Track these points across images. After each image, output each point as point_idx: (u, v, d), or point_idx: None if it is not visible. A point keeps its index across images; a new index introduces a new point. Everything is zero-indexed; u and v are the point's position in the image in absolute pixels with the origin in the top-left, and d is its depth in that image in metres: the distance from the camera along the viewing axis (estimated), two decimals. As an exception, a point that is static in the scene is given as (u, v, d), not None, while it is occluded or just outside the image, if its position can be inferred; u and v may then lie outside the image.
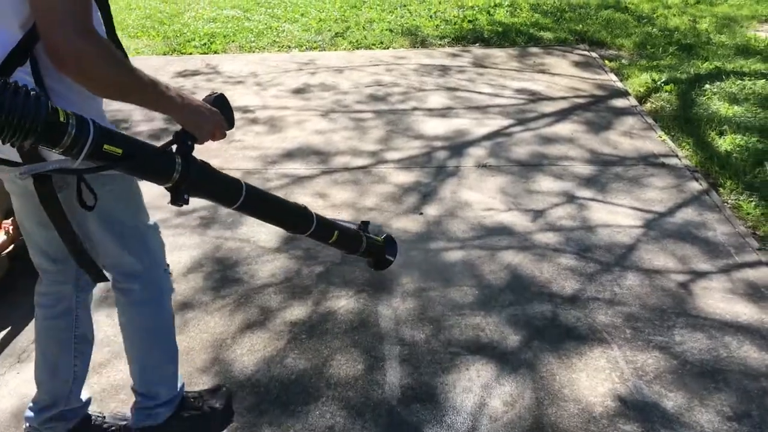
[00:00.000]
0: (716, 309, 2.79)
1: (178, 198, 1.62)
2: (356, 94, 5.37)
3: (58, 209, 1.60)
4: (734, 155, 4.14)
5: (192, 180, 1.61)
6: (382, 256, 2.67)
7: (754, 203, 3.63)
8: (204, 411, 2.16)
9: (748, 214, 3.56)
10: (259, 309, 2.86)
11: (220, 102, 1.72)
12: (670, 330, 2.67)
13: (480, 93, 5.34)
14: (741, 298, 2.86)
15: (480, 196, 3.75)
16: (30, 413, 2.06)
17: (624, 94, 5.29)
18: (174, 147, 1.61)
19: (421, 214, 3.58)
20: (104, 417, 2.20)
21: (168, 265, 2.02)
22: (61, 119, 1.31)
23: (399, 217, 3.55)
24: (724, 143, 4.29)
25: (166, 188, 1.62)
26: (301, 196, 3.77)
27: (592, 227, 3.42)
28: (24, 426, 2.09)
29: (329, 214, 3.54)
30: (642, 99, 5.24)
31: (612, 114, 4.88)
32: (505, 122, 4.77)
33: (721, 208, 3.57)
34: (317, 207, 3.63)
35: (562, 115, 4.87)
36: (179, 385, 2.11)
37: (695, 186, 3.81)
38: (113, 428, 2.16)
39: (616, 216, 3.52)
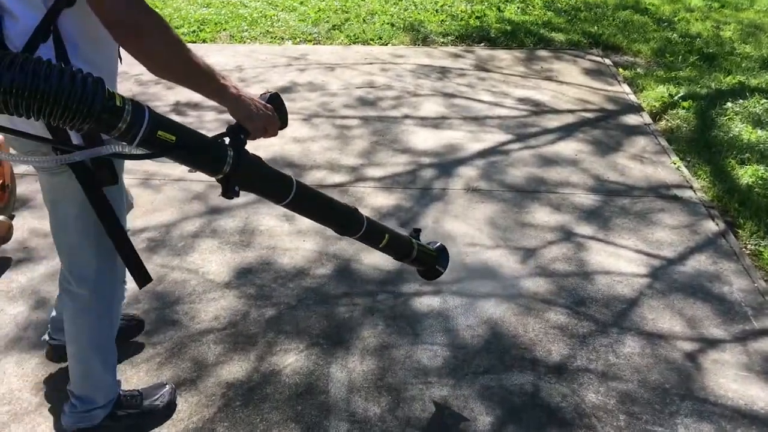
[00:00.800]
0: (728, 391, 2.35)
1: (228, 190, 1.59)
2: (345, 97, 4.93)
3: (102, 195, 1.66)
4: (756, 190, 3.68)
5: (243, 173, 1.59)
6: (433, 266, 2.35)
7: (776, 251, 3.18)
8: (143, 409, 2.15)
9: (770, 264, 3.11)
10: (193, 363, 2.45)
11: (274, 100, 1.71)
12: (673, 418, 2.23)
13: (479, 101, 4.88)
14: (758, 378, 2.42)
15: (465, 228, 3.31)
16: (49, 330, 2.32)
17: (637, 109, 4.82)
18: (226, 139, 1.60)
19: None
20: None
21: (126, 281, 2.06)
22: (118, 104, 1.31)
23: (370, 250, 3.11)
24: (745, 175, 3.83)
25: (216, 180, 1.59)
26: (265, 218, 3.35)
27: (590, 274, 2.97)
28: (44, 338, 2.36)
29: (293, 240, 3.13)
30: (656, 116, 4.77)
31: (622, 132, 4.42)
32: (503, 137, 4.32)
33: (739, 255, 3.12)
34: (281, 232, 3.22)
35: (566, 132, 4.42)
36: (118, 385, 2.11)
37: (711, 226, 3.36)
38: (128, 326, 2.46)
39: (619, 261, 3.07)
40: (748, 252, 3.21)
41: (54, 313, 2.28)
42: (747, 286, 2.92)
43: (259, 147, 4.10)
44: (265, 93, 1.71)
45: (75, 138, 1.58)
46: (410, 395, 2.32)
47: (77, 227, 1.79)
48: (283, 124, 1.72)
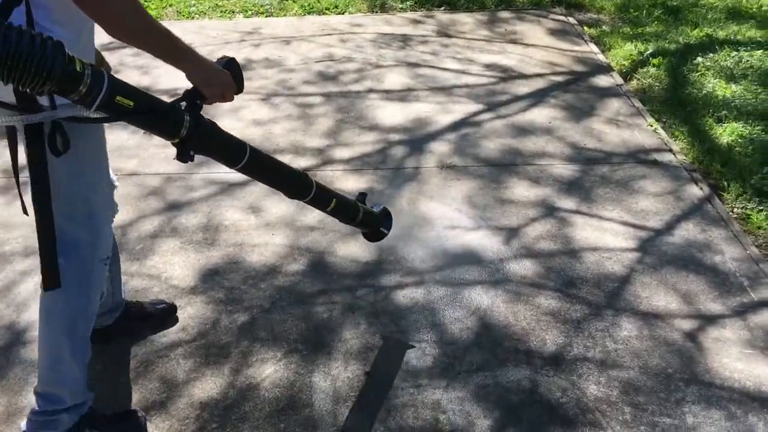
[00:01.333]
0: (734, 372, 2.24)
1: (183, 154, 1.62)
2: (304, 72, 4.68)
3: (43, 160, 1.58)
4: (737, 149, 3.56)
5: (199, 137, 1.62)
6: (377, 228, 2.45)
7: (765, 213, 3.07)
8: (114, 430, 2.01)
9: (759, 228, 3.01)
10: (161, 383, 2.25)
11: (231, 66, 1.72)
12: (680, 406, 2.11)
13: (445, 70, 4.68)
14: (762, 355, 2.31)
15: (443, 209, 3.13)
16: None
17: (607, 69, 4.66)
18: (183, 104, 1.62)
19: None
20: (142, 303, 2.44)
21: (108, 257, 1.91)
22: (78, 68, 1.31)
23: (345, 240, 2.93)
24: (724, 133, 3.71)
25: (172, 144, 1.61)
26: (229, 211, 3.13)
27: (577, 252, 2.83)
28: None
29: (261, 235, 2.92)
30: (627, 75, 4.62)
31: (595, 95, 4.27)
32: (473, 107, 4.13)
33: (727, 221, 3.00)
34: (248, 226, 3.01)
35: (538, 98, 4.25)
36: (87, 397, 1.96)
37: (695, 191, 3.24)
38: (154, 310, 2.45)
39: (605, 235, 2.93)
40: (735, 216, 3.10)
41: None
42: (739, 254, 2.80)
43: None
44: (221, 58, 1.73)
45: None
46: (401, 402, 2.15)
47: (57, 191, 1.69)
48: (239, 89, 1.76)
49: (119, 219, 3.07)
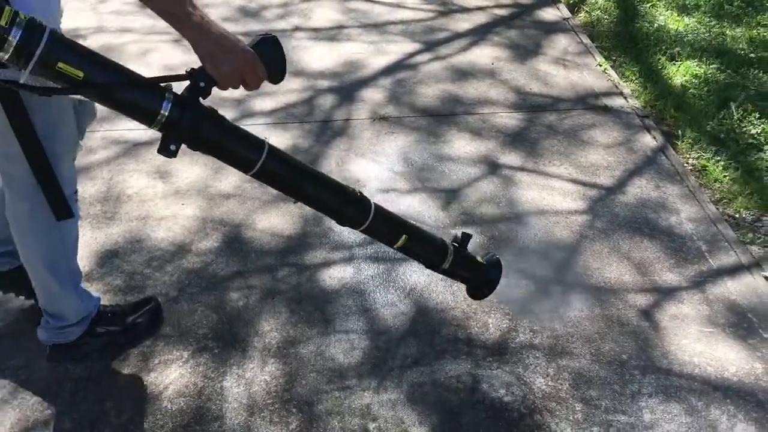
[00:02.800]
0: (693, 355, 2.03)
1: (163, 147, 1.35)
2: (222, 7, 4.20)
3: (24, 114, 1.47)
4: (691, 91, 3.31)
5: (185, 129, 1.33)
6: (480, 281, 1.83)
7: (721, 164, 2.85)
8: (125, 326, 2.04)
9: (716, 181, 2.78)
10: (45, 395, 1.92)
11: (265, 45, 1.35)
12: (635, 401, 1.89)
13: (378, 3, 4.26)
14: (723, 333, 2.10)
15: (376, 168, 2.81)
16: None
17: (553, 1, 4.32)
18: (175, 86, 1.33)
19: (296, 202, 2.62)
20: None
21: (76, 192, 1.78)
22: (2, 23, 1.10)
23: (266, 209, 2.60)
24: (678, 73, 3.45)
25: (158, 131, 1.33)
26: (133, 177, 2.74)
27: (522, 216, 2.56)
28: None
29: (169, 205, 2.57)
30: (575, 7, 4.30)
31: (540, 31, 3.94)
32: (410, 47, 3.76)
33: (683, 175, 2.77)
34: (154, 195, 2.65)
35: (479, 35, 3.89)
36: (92, 306, 1.95)
37: (647, 141, 2.98)
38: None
39: (553, 195, 2.67)
40: (690, 168, 2.87)
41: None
42: (696, 214, 2.58)
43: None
44: (259, 36, 1.36)
45: None
46: (325, 408, 1.88)
47: (11, 139, 1.54)
48: (274, 76, 1.38)
49: None
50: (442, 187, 2.71)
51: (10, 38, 1.12)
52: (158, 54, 3.66)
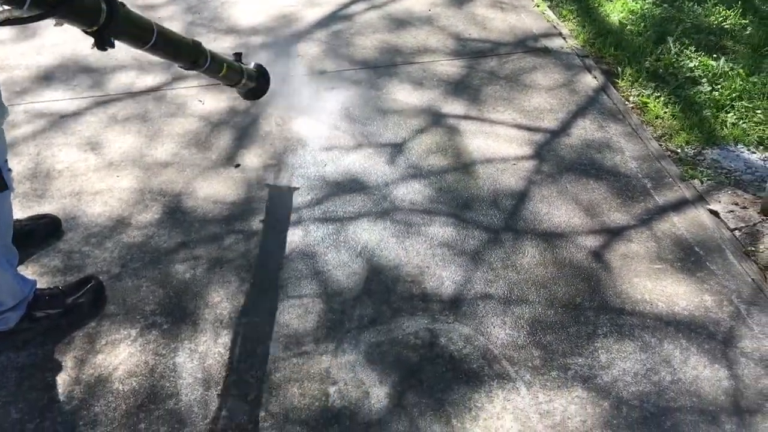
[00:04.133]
0: (644, 292, 2.05)
1: (104, 42, 1.53)
2: (144, -35, 3.97)
3: None
4: (629, 27, 3.30)
5: (116, 21, 1.52)
6: (260, 84, 2.34)
7: (662, 100, 2.86)
8: (66, 307, 1.96)
9: (657, 117, 2.80)
10: (-12, 389, 1.83)
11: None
12: (591, 342, 1.91)
13: (309, -48, 4.09)
14: (671, 268, 2.13)
15: (318, 126, 2.73)
16: None
17: (487, -58, 4.22)
18: None
19: (238, 166, 2.55)
20: (20, 220, 2.20)
21: (6, 161, 1.73)
22: None
23: (206, 176, 2.51)
24: (615, 9, 3.43)
25: (88, 33, 1.52)
26: (62, 151, 2.61)
27: (469, 166, 2.53)
28: None
29: (104, 178, 2.46)
30: (509, -52, 4.20)
31: (476, -26, 3.85)
32: (344, -3, 3.64)
33: (624, 113, 2.78)
34: (86, 169, 2.53)
35: (414, -19, 3.79)
36: (28, 289, 1.89)
37: (588, 81, 2.97)
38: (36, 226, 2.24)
39: (498, 142, 2.64)
40: (632, 105, 2.88)
41: None
42: (640, 151, 2.59)
43: (43, 48, 3.22)
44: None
45: None
46: (283, 376, 1.84)
47: None
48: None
49: None
50: (386, 142, 2.66)
51: None
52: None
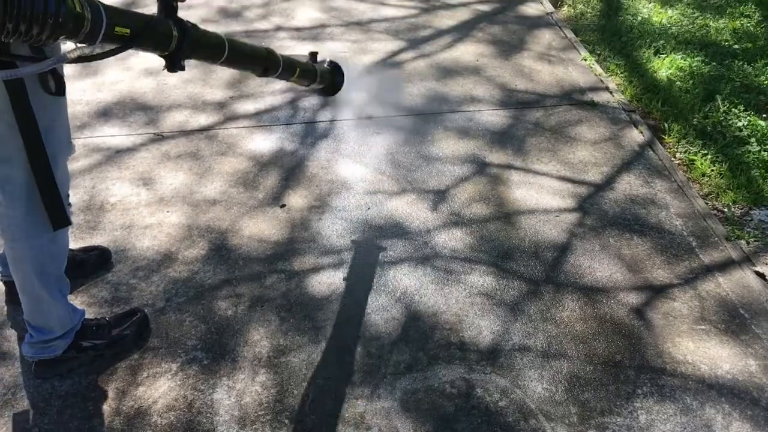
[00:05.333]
0: (686, 353, 2.02)
1: (175, 65, 1.55)
2: (203, 9, 4.15)
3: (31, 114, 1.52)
4: (677, 83, 3.30)
5: (188, 44, 1.53)
6: (334, 81, 2.32)
7: (709, 158, 2.84)
8: (111, 339, 2.01)
9: (704, 175, 2.77)
10: (30, 408, 1.88)
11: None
12: (631, 402, 1.88)
13: (361, 0, 4.21)
14: (716, 330, 2.09)
15: (362, 169, 2.78)
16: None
17: (536, -5, 4.30)
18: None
19: (284, 206, 2.60)
20: (72, 251, 2.19)
21: (68, 196, 1.77)
22: (78, 9, 1.23)
23: (253, 214, 2.56)
24: (663, 66, 3.44)
25: (161, 56, 1.54)
26: (116, 185, 2.70)
27: (512, 216, 2.54)
28: None
29: (154, 213, 2.53)
30: (558, 1, 4.29)
31: (524, 26, 3.92)
32: (393, 45, 3.73)
33: (671, 170, 2.76)
34: (138, 203, 2.61)
35: (463, 32, 3.87)
36: (76, 319, 1.93)
37: (635, 136, 2.97)
38: (87, 257, 2.30)
39: (542, 193, 2.65)
40: (678, 162, 2.86)
41: (1, 251, 2.02)
42: (685, 209, 2.57)
43: (103, 85, 3.36)
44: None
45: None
46: (318, 419, 1.85)
47: (9, 143, 1.56)
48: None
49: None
50: (430, 188, 2.69)
51: (87, 17, 1.25)
52: (138, 58, 3.61)
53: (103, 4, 1.32)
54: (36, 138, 1.56)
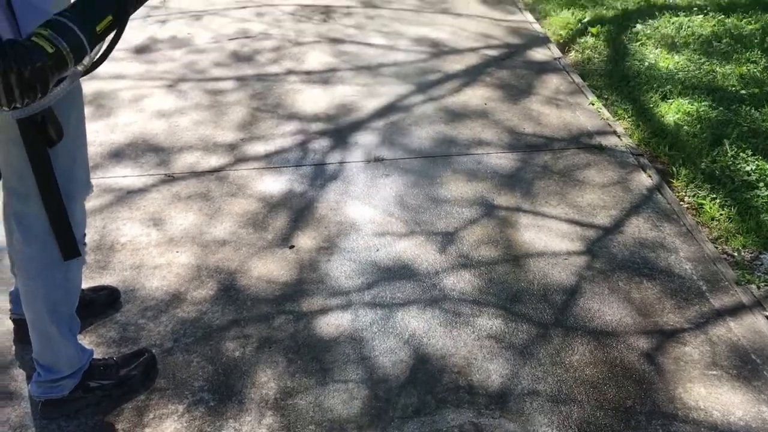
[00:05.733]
0: (698, 399, 1.99)
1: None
2: (216, 53, 4.23)
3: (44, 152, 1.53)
4: (684, 128, 3.32)
5: None
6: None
7: (717, 202, 2.84)
8: (119, 379, 2.00)
9: (713, 219, 2.77)
10: (37, 456, 1.86)
11: None
12: (643, 449, 1.85)
13: (370, 45, 4.30)
14: (727, 376, 2.07)
15: (372, 212, 2.79)
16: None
17: (543, 40, 4.36)
18: None
19: (292, 247, 2.61)
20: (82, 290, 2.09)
21: (84, 235, 1.83)
22: (49, 50, 1.24)
23: (262, 254, 2.57)
24: (670, 110, 3.47)
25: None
26: (126, 225, 2.71)
27: (521, 258, 2.54)
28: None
29: (163, 253, 2.54)
30: (565, 46, 4.34)
31: (532, 71, 3.97)
32: (402, 89, 3.77)
33: (679, 214, 2.76)
34: (148, 243, 2.63)
35: (471, 76, 3.92)
36: (84, 359, 1.93)
37: (643, 180, 2.98)
38: (96, 296, 2.32)
39: (550, 236, 2.65)
40: (687, 206, 2.86)
41: (13, 288, 2.06)
42: (695, 253, 2.56)
43: (116, 127, 3.41)
44: None
45: None
46: (325, 463, 1.83)
47: (27, 179, 1.58)
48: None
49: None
50: (438, 230, 2.69)
51: (61, 47, 1.24)
52: (151, 100, 3.66)
53: (67, 18, 1.27)
54: (49, 177, 1.58)
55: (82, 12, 1.31)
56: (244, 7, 4.92)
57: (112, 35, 1.38)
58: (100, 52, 1.40)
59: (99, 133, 3.35)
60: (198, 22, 4.66)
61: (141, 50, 4.22)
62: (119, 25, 1.36)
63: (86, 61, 1.34)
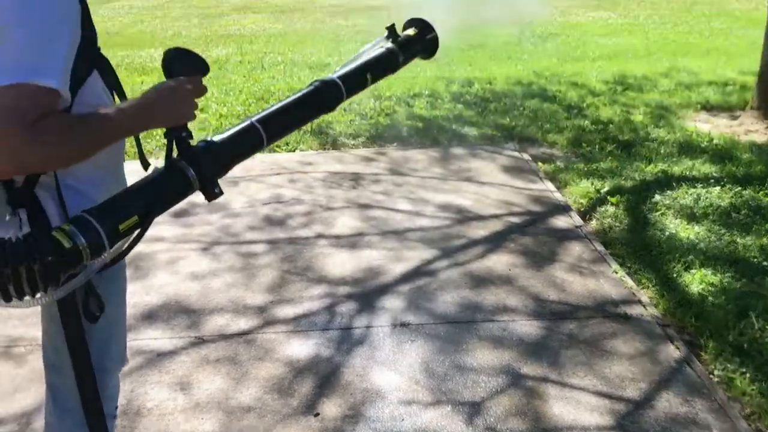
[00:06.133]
0: None
1: (210, 195, 1.47)
2: (250, 216, 4.41)
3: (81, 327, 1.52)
4: (710, 299, 3.34)
5: (211, 171, 1.45)
6: (425, 39, 2.02)
7: (748, 376, 2.80)
8: None
9: (744, 394, 2.72)
10: None
11: (171, 60, 1.44)
12: None
13: (397, 211, 4.46)
14: None
15: (397, 379, 2.79)
16: None
17: (565, 209, 4.50)
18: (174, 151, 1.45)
19: (317, 415, 2.59)
20: None
21: (116, 408, 1.84)
22: (66, 245, 1.24)
23: (286, 422, 2.55)
24: (694, 281, 3.50)
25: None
26: (154, 389, 2.73)
27: (549, 432, 2.49)
28: None
29: (189, 419, 2.53)
30: (586, 215, 4.46)
31: (554, 239, 4.07)
32: (427, 254, 3.88)
33: (710, 388, 2.72)
34: (174, 409, 2.63)
35: (495, 242, 4.02)
36: None
37: (671, 351, 2.97)
38: None
39: (579, 410, 2.61)
40: (717, 379, 2.82)
41: None
42: (728, 431, 2.50)
43: (152, 288, 3.51)
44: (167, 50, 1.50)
45: None
46: None
47: (62, 353, 1.58)
48: (199, 70, 1.46)
49: (27, 402, 2.68)
50: (465, 400, 2.67)
51: (79, 244, 1.26)
52: (186, 262, 3.79)
53: (94, 216, 1.29)
54: (83, 352, 1.56)
55: (109, 211, 1.34)
56: (278, 174, 5.19)
57: (136, 232, 1.41)
58: (124, 247, 1.41)
59: (134, 295, 3.45)
60: (235, 188, 4.90)
61: (180, 214, 4.42)
62: (143, 227, 1.39)
63: (105, 255, 1.34)
